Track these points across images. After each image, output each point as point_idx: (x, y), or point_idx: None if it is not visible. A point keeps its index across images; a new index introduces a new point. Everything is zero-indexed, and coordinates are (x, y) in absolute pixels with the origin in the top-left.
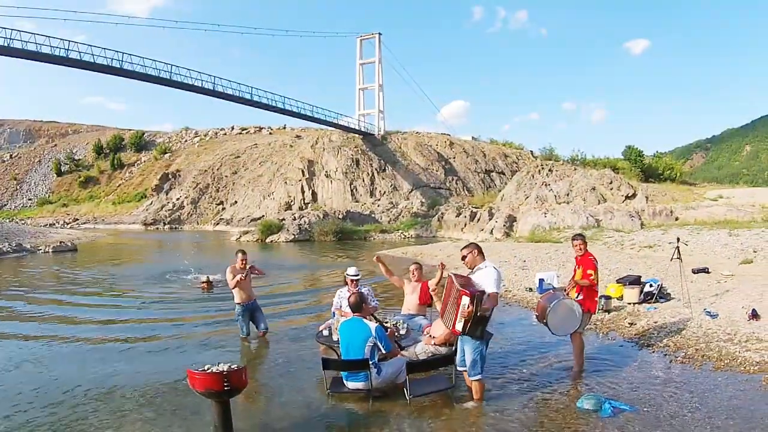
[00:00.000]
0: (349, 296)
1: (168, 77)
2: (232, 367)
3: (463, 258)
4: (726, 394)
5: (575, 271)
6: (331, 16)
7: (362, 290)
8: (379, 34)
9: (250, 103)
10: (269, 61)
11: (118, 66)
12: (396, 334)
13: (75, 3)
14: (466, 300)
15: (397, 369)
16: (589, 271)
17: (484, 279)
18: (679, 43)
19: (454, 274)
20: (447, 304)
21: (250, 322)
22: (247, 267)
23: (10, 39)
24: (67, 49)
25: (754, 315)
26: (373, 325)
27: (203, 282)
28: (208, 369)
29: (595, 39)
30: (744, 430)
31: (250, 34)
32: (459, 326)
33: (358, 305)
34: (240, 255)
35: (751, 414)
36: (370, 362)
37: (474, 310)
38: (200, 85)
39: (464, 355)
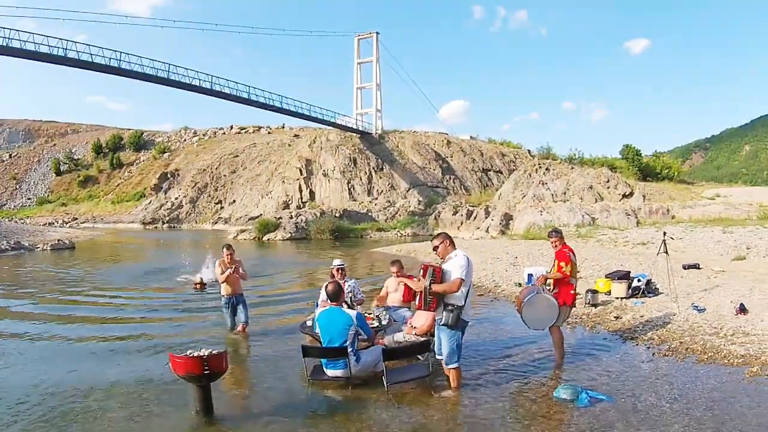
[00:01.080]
0: (327, 285)
1: (165, 76)
2: (213, 351)
3: (435, 248)
4: (707, 387)
5: (554, 264)
6: (331, 15)
7: (349, 282)
8: (377, 33)
9: (247, 102)
10: (269, 61)
11: (116, 65)
12: (378, 324)
13: (75, 3)
14: (420, 274)
15: (375, 357)
16: (562, 263)
17: (452, 266)
18: (679, 42)
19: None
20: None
21: (234, 315)
22: (235, 260)
23: (9, 38)
24: (65, 49)
25: (742, 309)
26: (353, 312)
27: (197, 282)
28: (189, 353)
29: (595, 38)
30: (722, 422)
31: (248, 33)
32: (416, 301)
33: (337, 294)
34: (226, 250)
35: (731, 406)
36: (349, 350)
37: (427, 285)
38: (198, 84)
39: (441, 344)
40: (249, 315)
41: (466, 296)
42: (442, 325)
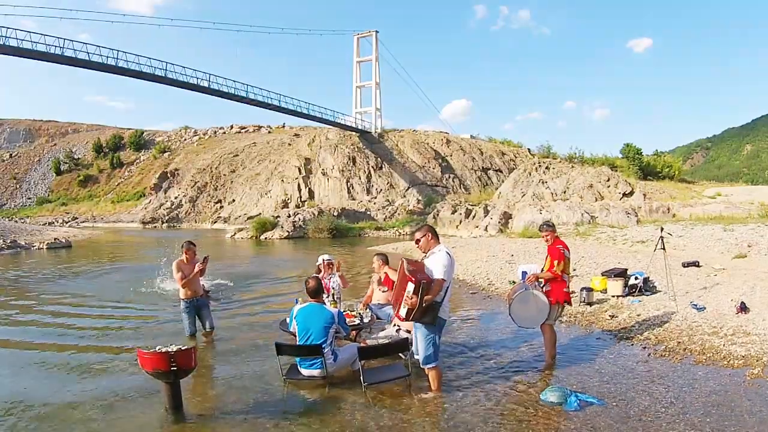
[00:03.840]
0: (307, 280)
1: (163, 75)
2: (181, 348)
3: (417, 242)
4: (705, 389)
5: (546, 260)
6: (331, 14)
7: (335, 278)
8: (376, 32)
9: (246, 101)
10: (269, 60)
11: (114, 64)
12: (359, 322)
13: (75, 2)
14: (410, 287)
15: (351, 355)
16: (555, 261)
17: (434, 264)
18: (681, 42)
19: (407, 260)
20: (397, 290)
21: (197, 320)
22: (196, 258)
23: (6, 37)
24: (62, 47)
25: (743, 308)
26: (334, 309)
27: None
28: (157, 349)
29: (597, 38)
30: (721, 428)
31: (247, 32)
32: (402, 312)
33: (317, 291)
34: (185, 247)
35: (731, 410)
36: (326, 348)
37: (419, 301)
38: (196, 83)
39: (417, 344)
40: (240, 314)
41: (445, 293)
42: (420, 323)
